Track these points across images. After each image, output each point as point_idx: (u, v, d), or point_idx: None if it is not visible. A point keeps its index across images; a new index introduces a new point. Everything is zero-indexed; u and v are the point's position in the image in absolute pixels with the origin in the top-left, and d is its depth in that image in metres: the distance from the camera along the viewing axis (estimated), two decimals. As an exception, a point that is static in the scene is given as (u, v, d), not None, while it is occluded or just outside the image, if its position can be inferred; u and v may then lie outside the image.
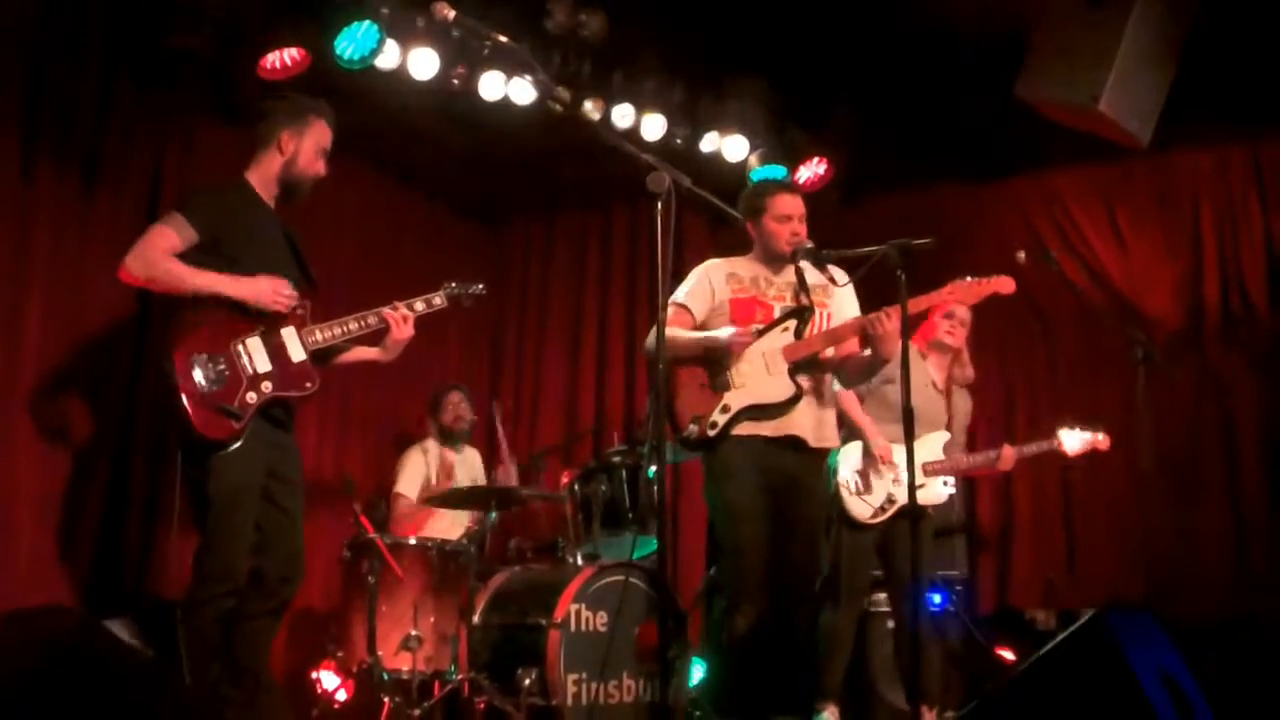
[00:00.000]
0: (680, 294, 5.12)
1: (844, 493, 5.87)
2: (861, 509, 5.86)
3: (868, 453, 5.91)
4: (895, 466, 5.84)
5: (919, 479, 5.77)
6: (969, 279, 5.09)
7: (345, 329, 4.77)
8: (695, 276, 5.16)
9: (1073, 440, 6.09)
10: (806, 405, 4.98)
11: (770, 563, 4.84)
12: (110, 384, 5.87)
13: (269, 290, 4.58)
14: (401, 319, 4.87)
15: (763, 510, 4.87)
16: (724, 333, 4.92)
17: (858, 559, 5.88)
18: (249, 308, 4.58)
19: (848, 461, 5.92)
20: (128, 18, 5.92)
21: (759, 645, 4.77)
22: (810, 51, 6.86)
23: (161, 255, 4.53)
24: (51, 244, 5.75)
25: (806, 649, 5.06)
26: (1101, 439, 6.10)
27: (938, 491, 6.00)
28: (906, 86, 7.03)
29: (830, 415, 5.14)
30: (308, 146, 4.76)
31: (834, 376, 5.16)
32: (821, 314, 5.07)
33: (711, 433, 4.89)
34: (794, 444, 4.96)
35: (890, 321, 4.77)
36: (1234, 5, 6.21)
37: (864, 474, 5.90)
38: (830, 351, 5.07)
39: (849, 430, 5.91)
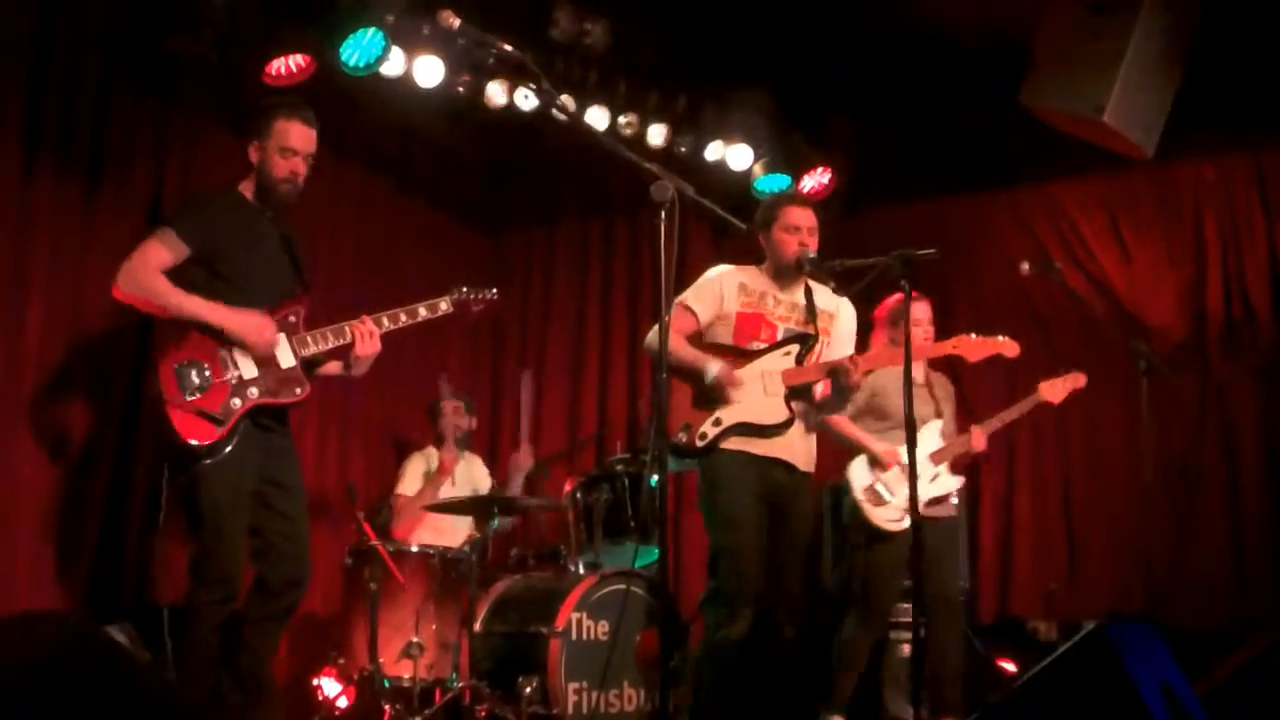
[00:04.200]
0: (688, 296, 5.11)
1: (866, 508, 5.91)
2: (888, 517, 5.89)
3: (874, 463, 5.95)
4: (905, 466, 5.87)
5: (931, 470, 5.97)
6: (974, 335, 5.31)
7: (326, 340, 4.76)
8: (706, 281, 5.16)
9: (1053, 389, 6.15)
10: (796, 430, 5.02)
11: (764, 573, 4.85)
12: (111, 389, 5.86)
13: (255, 329, 4.57)
14: (368, 334, 4.79)
15: (758, 520, 4.89)
16: (712, 368, 4.91)
17: (885, 576, 5.90)
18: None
19: (858, 478, 5.96)
20: (131, 23, 5.91)
21: (749, 655, 4.77)
22: (814, 61, 6.86)
23: (151, 273, 4.53)
24: (53, 250, 5.75)
25: (792, 659, 5.06)
26: (1078, 376, 6.16)
27: (948, 481, 6.06)
28: (910, 96, 7.04)
29: (813, 442, 5.18)
30: (271, 149, 4.73)
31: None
32: (822, 342, 5.11)
33: (700, 443, 4.90)
34: (783, 464, 5.00)
35: (857, 372, 4.91)
36: (1238, 15, 6.21)
37: (878, 484, 5.93)
38: (819, 387, 5.12)
39: (849, 450, 6.02)
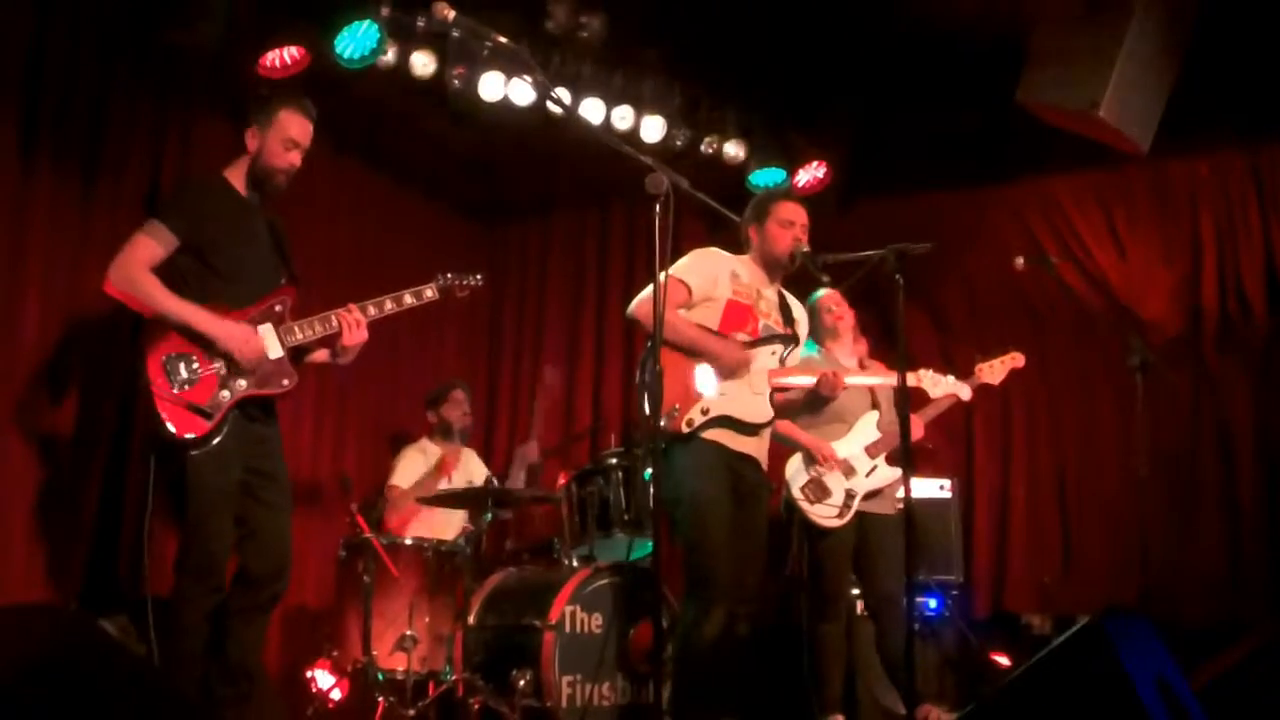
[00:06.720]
0: (682, 269, 5.05)
1: (803, 506, 5.87)
2: (825, 514, 5.85)
3: (810, 460, 5.92)
4: (841, 462, 5.89)
5: (869, 463, 5.94)
6: (930, 371, 5.49)
7: (312, 329, 4.74)
8: (700, 258, 5.13)
9: (991, 371, 5.97)
10: (766, 430, 5.09)
11: (733, 564, 4.87)
12: (107, 380, 5.84)
13: (241, 340, 4.55)
14: (355, 323, 4.78)
15: (729, 512, 4.90)
16: (722, 348, 4.94)
17: (835, 567, 5.87)
18: (225, 305, 4.57)
19: (795, 476, 5.94)
20: (127, 14, 5.90)
21: (724, 648, 4.77)
22: (810, 55, 6.85)
23: (140, 270, 4.51)
24: (49, 241, 5.73)
25: (752, 652, 5.10)
26: (1017, 356, 6.02)
27: (885, 473, 5.95)
28: (906, 90, 7.04)
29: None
30: (272, 139, 4.70)
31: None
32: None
33: (686, 429, 4.88)
34: (753, 461, 5.03)
35: (840, 387, 5.18)
36: (1234, 12, 6.21)
37: (815, 481, 5.89)
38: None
39: (790, 447, 6.00)
